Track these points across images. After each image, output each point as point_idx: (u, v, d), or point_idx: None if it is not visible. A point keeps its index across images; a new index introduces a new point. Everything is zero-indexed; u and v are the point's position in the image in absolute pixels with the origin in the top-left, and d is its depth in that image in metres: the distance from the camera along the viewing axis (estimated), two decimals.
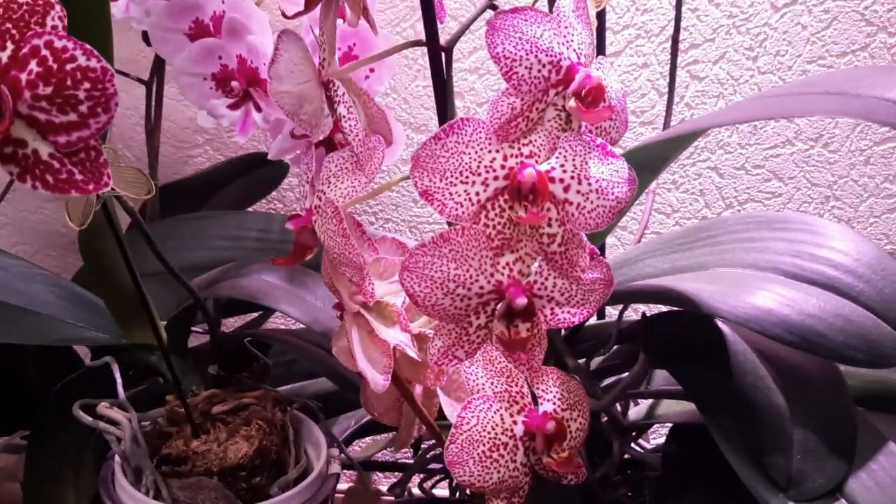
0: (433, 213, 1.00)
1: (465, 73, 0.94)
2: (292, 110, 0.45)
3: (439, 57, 0.49)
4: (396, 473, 0.91)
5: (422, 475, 0.81)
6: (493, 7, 0.50)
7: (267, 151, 0.94)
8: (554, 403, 0.51)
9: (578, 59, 0.45)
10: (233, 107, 0.70)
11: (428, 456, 0.78)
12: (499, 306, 0.45)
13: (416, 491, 0.82)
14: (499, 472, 0.49)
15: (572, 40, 0.46)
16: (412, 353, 0.53)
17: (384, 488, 0.81)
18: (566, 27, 0.45)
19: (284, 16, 0.49)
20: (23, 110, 0.36)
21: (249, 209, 0.90)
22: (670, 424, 0.72)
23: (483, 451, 0.49)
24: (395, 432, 0.90)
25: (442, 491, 0.83)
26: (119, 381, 0.62)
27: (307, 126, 0.47)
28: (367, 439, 0.87)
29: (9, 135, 0.35)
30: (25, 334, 0.64)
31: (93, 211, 0.48)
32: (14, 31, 0.36)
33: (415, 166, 0.44)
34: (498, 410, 0.50)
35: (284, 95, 0.45)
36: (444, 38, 0.49)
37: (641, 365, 0.61)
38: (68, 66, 0.36)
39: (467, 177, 0.44)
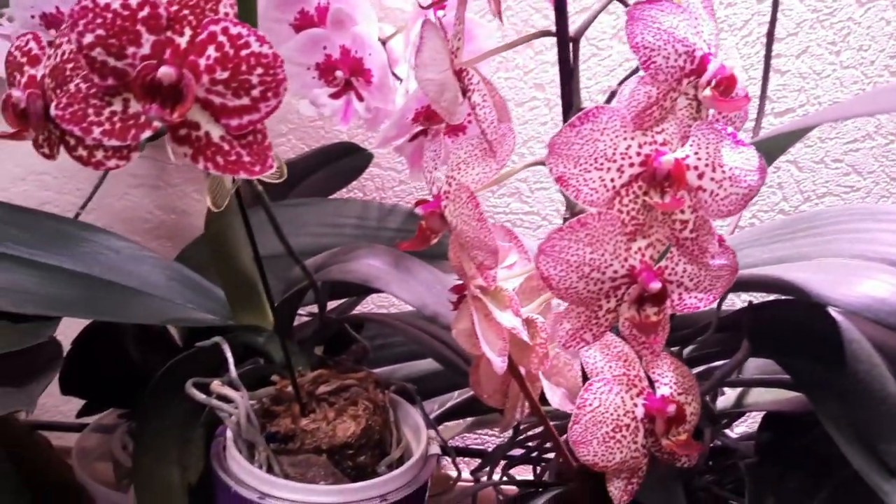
0: (509, 204, 1.01)
1: (546, 64, 0.95)
2: (434, 97, 0.47)
3: (567, 47, 0.50)
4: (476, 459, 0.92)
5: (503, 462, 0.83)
6: None
7: (350, 141, 0.97)
8: (671, 387, 0.53)
9: (709, 49, 0.46)
10: (335, 96, 0.71)
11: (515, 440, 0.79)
12: (631, 290, 0.46)
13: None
14: (621, 452, 0.51)
15: (702, 31, 0.47)
16: (525, 336, 0.55)
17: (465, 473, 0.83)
18: (697, 18, 0.47)
19: (420, 6, 0.50)
20: (199, 94, 0.37)
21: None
22: (755, 412, 0.74)
23: (606, 432, 0.50)
24: (471, 418, 0.92)
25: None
26: (231, 360, 0.64)
27: (445, 113, 0.48)
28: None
29: (185, 117, 0.37)
30: (138, 314, 0.66)
31: (230, 193, 0.50)
32: (191, 18, 0.37)
33: (550, 153, 0.46)
34: (618, 393, 0.51)
35: (429, 83, 0.46)
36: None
37: (744, 353, 0.62)
38: (243, 52, 0.37)
39: (602, 163, 0.45)
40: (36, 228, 0.68)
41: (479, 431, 1.07)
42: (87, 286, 0.66)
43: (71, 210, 1.03)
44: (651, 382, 0.53)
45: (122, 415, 0.84)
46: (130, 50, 0.37)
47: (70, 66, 0.39)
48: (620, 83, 0.65)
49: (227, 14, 0.38)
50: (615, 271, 0.46)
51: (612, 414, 0.50)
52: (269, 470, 0.62)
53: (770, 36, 0.74)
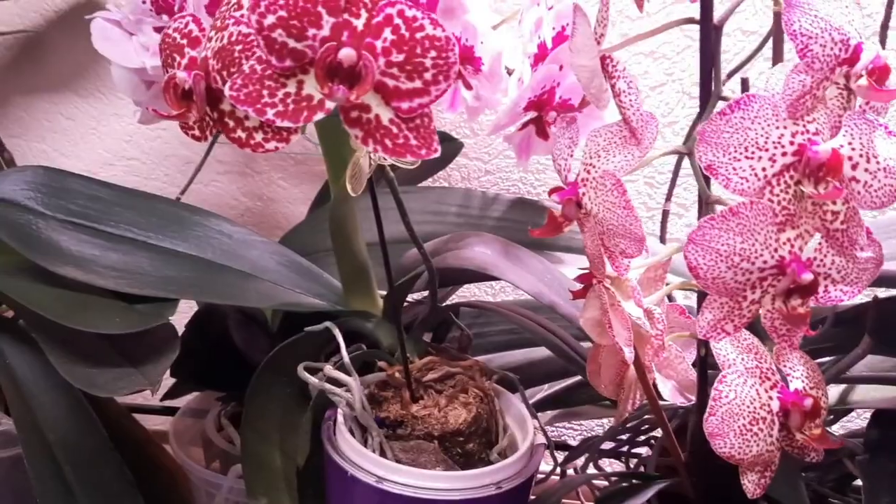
0: None
1: (640, 55, 0.94)
2: (586, 84, 0.47)
3: (710, 34, 0.49)
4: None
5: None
6: None
7: (441, 130, 0.97)
8: (803, 381, 0.52)
9: (860, 38, 0.46)
10: None
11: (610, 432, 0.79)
12: (781, 282, 0.46)
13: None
14: (757, 445, 0.50)
15: (853, 20, 0.46)
16: (647, 327, 0.55)
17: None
18: (848, 7, 0.46)
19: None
20: (375, 76, 0.38)
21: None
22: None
23: (743, 425, 0.50)
24: (553, 411, 0.92)
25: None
26: (343, 345, 0.64)
27: (594, 99, 0.48)
28: None
29: (358, 99, 0.37)
30: (251, 298, 0.66)
31: (366, 178, 0.50)
32: (367, 0, 0.37)
33: (700, 141, 0.45)
34: (753, 385, 0.51)
35: (582, 69, 0.46)
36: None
37: (864, 348, 0.61)
38: (418, 35, 0.37)
39: (753, 152, 0.45)
40: (151, 212, 0.69)
41: (557, 424, 1.07)
42: (201, 269, 0.67)
43: (157, 194, 1.05)
44: (782, 376, 0.52)
45: (219, 398, 0.85)
46: (311, 31, 0.37)
47: (239, 47, 0.40)
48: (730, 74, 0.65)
49: None
50: (765, 262, 0.46)
51: (748, 406, 0.50)
52: (382, 455, 0.63)
53: (884, 28, 0.73)
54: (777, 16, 0.62)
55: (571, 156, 0.52)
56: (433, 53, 0.37)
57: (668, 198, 0.79)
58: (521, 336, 0.82)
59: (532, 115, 0.70)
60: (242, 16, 0.42)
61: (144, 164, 1.04)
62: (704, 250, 0.45)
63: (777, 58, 0.63)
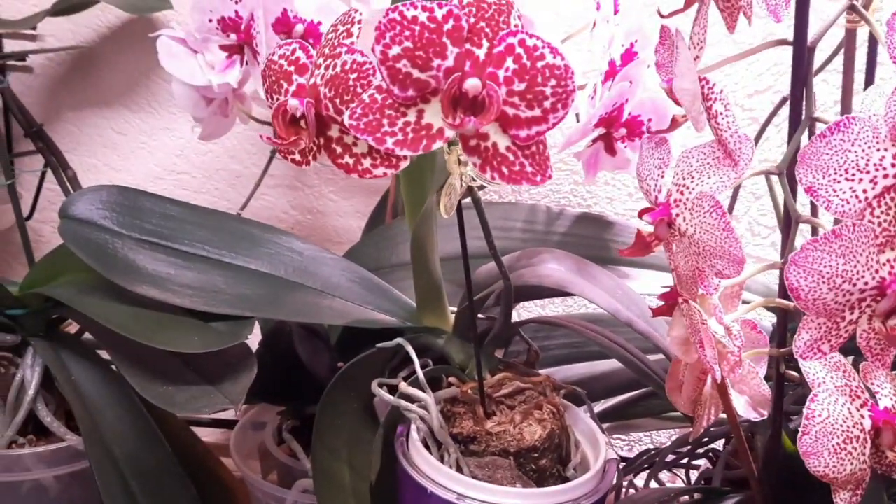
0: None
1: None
2: (688, 106, 0.47)
3: (804, 56, 0.50)
4: None
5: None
6: (852, 6, 0.50)
7: None
8: (892, 399, 0.52)
9: None
10: None
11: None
12: (881, 302, 0.46)
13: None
14: (851, 464, 0.50)
15: None
16: (729, 345, 0.55)
17: None
18: None
19: (660, 14, 0.50)
20: (499, 106, 0.38)
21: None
22: None
23: (837, 444, 0.50)
24: (609, 423, 0.92)
25: None
26: (417, 362, 0.65)
27: (694, 121, 0.48)
28: None
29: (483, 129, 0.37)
30: (325, 315, 0.67)
31: (458, 198, 0.50)
32: (488, 30, 0.38)
33: (800, 163, 0.46)
34: (844, 404, 0.51)
35: (685, 93, 0.46)
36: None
37: None
38: (539, 64, 0.38)
39: (853, 174, 0.45)
40: (223, 229, 0.69)
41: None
42: (275, 286, 0.67)
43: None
44: (871, 394, 0.53)
45: (280, 412, 0.86)
46: (435, 62, 0.37)
47: (354, 76, 0.40)
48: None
49: (517, 26, 0.38)
50: (865, 283, 0.46)
51: (841, 425, 0.50)
52: (458, 471, 0.63)
53: None
54: (850, 32, 0.63)
55: (662, 176, 0.52)
56: (553, 82, 0.38)
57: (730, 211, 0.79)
58: (581, 350, 0.82)
59: (601, 131, 0.71)
60: (353, 43, 0.42)
61: (195, 178, 1.05)
62: (807, 272, 0.45)
63: (848, 73, 0.63)
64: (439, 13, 0.37)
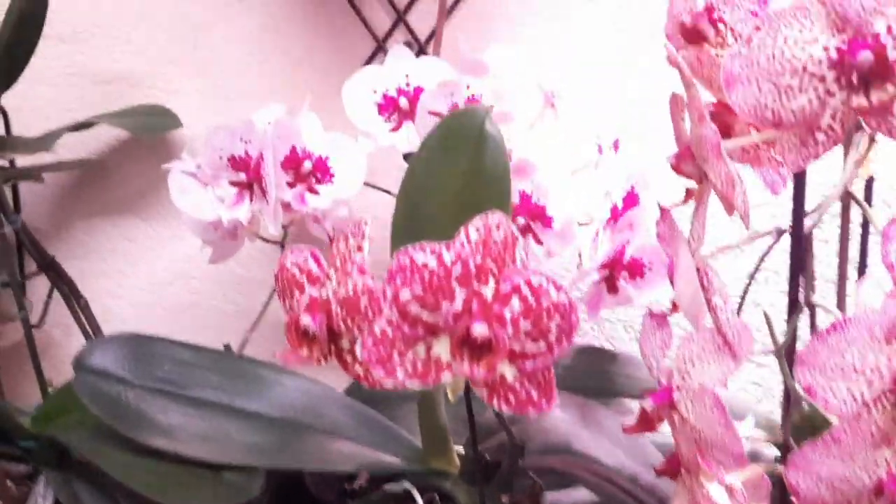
0: None
1: None
2: (686, 306, 0.48)
3: (801, 242, 0.51)
4: None
5: None
6: (849, 193, 0.52)
7: None
8: None
9: None
10: None
11: None
12: (878, 500, 0.47)
13: None
14: None
15: None
16: None
17: None
18: None
19: (660, 207, 0.51)
20: (506, 348, 0.39)
21: None
22: None
23: None
24: None
25: None
26: None
27: (692, 318, 0.49)
28: None
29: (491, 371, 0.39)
30: (336, 460, 0.68)
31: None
32: (494, 267, 0.39)
33: (799, 363, 0.47)
34: None
35: (683, 295, 0.48)
36: None
37: None
38: (544, 302, 0.39)
39: (850, 375, 0.46)
40: (234, 373, 0.70)
41: None
42: (284, 431, 0.68)
43: (215, 315, 1.07)
44: None
45: None
46: (445, 305, 0.39)
47: (365, 298, 0.42)
48: None
49: (522, 260, 0.40)
50: (863, 483, 0.47)
51: None
52: None
53: None
54: (845, 209, 0.64)
55: (664, 356, 0.53)
56: (557, 318, 0.39)
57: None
58: None
59: (603, 273, 0.72)
60: (363, 260, 0.44)
61: (203, 284, 1.06)
62: (806, 474, 0.46)
63: (843, 251, 0.65)
64: (448, 258, 0.39)
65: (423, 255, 0.39)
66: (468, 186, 0.49)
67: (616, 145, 0.75)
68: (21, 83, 0.91)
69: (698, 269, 0.51)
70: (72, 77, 1.00)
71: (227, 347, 0.86)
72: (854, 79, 0.40)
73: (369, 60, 0.94)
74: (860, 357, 0.46)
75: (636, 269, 0.72)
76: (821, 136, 0.42)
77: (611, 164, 0.73)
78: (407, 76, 0.78)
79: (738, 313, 0.51)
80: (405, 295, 0.39)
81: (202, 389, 0.69)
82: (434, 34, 0.92)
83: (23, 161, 0.97)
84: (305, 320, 0.43)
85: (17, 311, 0.81)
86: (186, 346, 0.72)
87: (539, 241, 0.73)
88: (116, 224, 1.05)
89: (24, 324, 0.84)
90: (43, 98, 1.01)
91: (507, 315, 0.39)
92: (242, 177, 0.77)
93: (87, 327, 0.84)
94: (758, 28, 0.42)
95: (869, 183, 0.58)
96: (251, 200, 0.77)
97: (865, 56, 0.39)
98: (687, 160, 0.49)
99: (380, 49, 0.93)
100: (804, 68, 0.41)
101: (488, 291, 0.39)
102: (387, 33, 0.93)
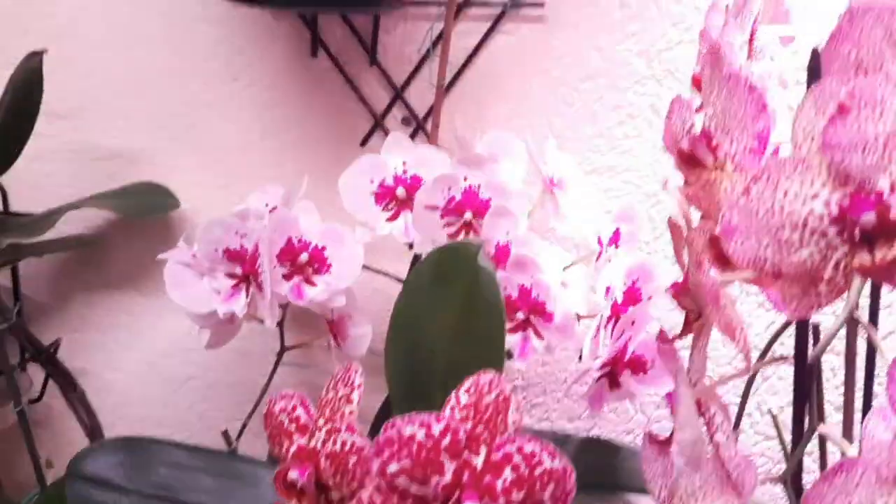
0: None
1: None
2: (687, 452, 0.47)
3: (804, 372, 0.50)
4: None
5: None
6: (854, 320, 0.50)
7: None
8: None
9: None
10: (512, 331, 0.72)
11: None
12: None
13: None
14: None
15: None
16: None
17: None
18: None
19: (659, 339, 0.50)
20: None
21: None
22: None
23: None
24: None
25: None
26: None
27: (692, 462, 0.48)
28: None
29: None
30: None
31: None
32: (486, 435, 0.38)
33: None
34: None
35: (684, 443, 0.46)
36: None
37: None
38: (537, 471, 0.38)
39: None
40: (228, 475, 0.69)
41: None
42: None
43: (216, 385, 1.06)
44: None
45: None
46: (434, 479, 0.38)
47: (353, 458, 0.40)
48: None
49: (514, 422, 0.38)
50: None
51: None
52: None
53: None
54: (851, 338, 0.62)
55: (666, 486, 0.52)
56: (552, 487, 0.38)
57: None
58: None
59: (605, 370, 0.71)
60: (353, 413, 0.43)
61: (202, 356, 1.05)
62: None
63: (850, 376, 0.63)
64: (436, 429, 0.38)
65: (412, 427, 0.38)
66: (464, 320, 0.48)
67: (616, 236, 0.74)
68: (17, 159, 0.91)
69: (700, 404, 0.49)
70: (68, 154, 0.99)
71: (226, 434, 0.85)
72: (857, 236, 0.39)
73: (367, 137, 0.93)
74: (867, 500, 0.45)
75: (639, 366, 0.70)
76: (823, 288, 0.41)
77: (610, 257, 0.71)
78: (404, 163, 0.77)
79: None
80: (393, 468, 0.38)
81: (196, 494, 0.68)
82: (432, 110, 0.91)
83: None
84: (292, 475, 0.42)
85: (12, 403, 0.80)
86: (180, 447, 0.71)
87: (539, 336, 0.72)
88: (115, 298, 1.04)
89: (20, 416, 0.82)
90: (40, 174, 1.00)
91: (499, 485, 0.38)
92: (238, 270, 0.76)
93: (85, 417, 0.83)
94: (756, 178, 0.40)
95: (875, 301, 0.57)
96: (247, 293, 0.76)
97: (868, 217, 0.38)
98: (686, 294, 0.48)
99: (378, 126, 0.92)
100: (805, 223, 0.40)
101: (479, 461, 0.38)
102: (385, 110, 0.92)
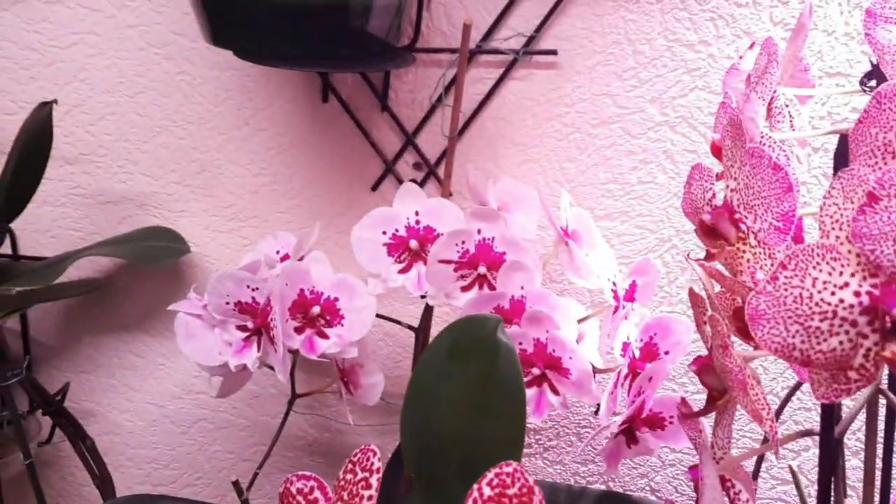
0: None
1: None
2: None
3: (830, 446, 0.49)
4: None
5: None
6: (881, 392, 0.50)
7: None
8: None
9: None
10: (527, 385, 0.71)
11: None
12: None
13: None
14: None
15: None
16: None
17: None
18: None
19: (684, 411, 0.49)
20: None
21: None
22: None
23: None
24: None
25: None
26: None
27: None
28: None
29: None
30: None
31: None
32: None
33: None
34: None
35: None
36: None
37: None
38: None
39: None
40: None
41: None
42: None
43: (226, 427, 1.05)
44: None
45: None
46: None
47: None
48: None
49: None
50: None
51: None
52: None
53: None
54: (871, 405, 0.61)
55: None
56: None
57: None
58: None
59: (623, 427, 0.70)
60: (371, 497, 0.42)
61: (212, 399, 1.04)
62: None
63: (870, 447, 0.62)
64: None
65: None
66: (482, 398, 0.47)
67: (632, 289, 0.73)
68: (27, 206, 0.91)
69: (723, 480, 0.49)
70: (77, 198, 0.99)
71: (237, 484, 0.84)
72: (888, 324, 0.38)
73: (378, 182, 0.93)
74: None
75: (657, 423, 0.70)
76: (853, 375, 0.40)
77: (627, 313, 0.71)
78: (416, 213, 0.76)
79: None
80: None
81: None
82: (443, 155, 0.91)
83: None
84: None
85: (21, 453, 0.79)
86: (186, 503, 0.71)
87: (555, 392, 0.71)
88: (125, 340, 1.04)
89: (29, 468, 0.82)
90: (48, 218, 1.00)
91: None
92: (250, 323, 0.75)
93: (95, 468, 0.82)
94: (784, 266, 0.40)
95: None
96: (258, 346, 0.76)
97: None
98: (710, 372, 0.47)
99: (389, 171, 0.92)
100: (834, 313, 0.39)
101: None
102: (396, 155, 0.91)
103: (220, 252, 0.98)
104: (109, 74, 0.94)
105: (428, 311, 0.85)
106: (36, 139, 0.84)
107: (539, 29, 0.85)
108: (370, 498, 0.42)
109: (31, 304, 0.93)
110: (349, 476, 0.44)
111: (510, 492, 0.38)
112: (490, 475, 0.39)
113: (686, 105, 0.86)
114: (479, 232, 0.73)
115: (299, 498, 0.45)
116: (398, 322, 0.85)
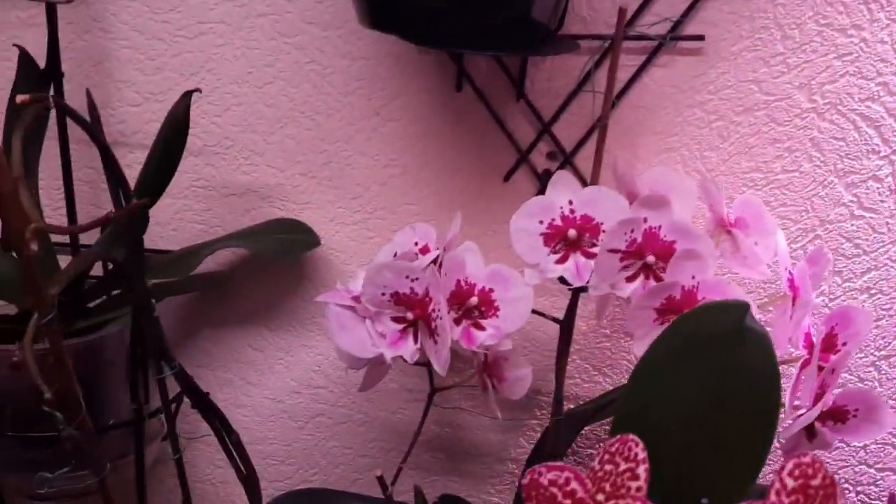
0: None
1: None
2: None
3: None
4: None
5: None
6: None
7: None
8: None
9: None
10: None
11: None
12: None
13: None
14: None
15: None
16: None
17: None
18: None
19: None
20: None
21: None
22: None
23: None
24: None
25: None
26: None
27: None
28: None
29: None
30: None
31: None
32: None
33: None
34: None
35: None
36: None
37: None
38: None
39: None
40: None
41: None
42: None
43: (344, 422, 1.04)
44: None
45: None
46: None
47: None
48: None
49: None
50: None
51: None
52: None
53: None
54: None
55: None
56: None
57: None
58: None
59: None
60: (640, 489, 0.40)
61: (332, 393, 1.03)
62: None
63: None
64: None
65: None
66: (722, 388, 0.45)
67: (811, 276, 0.71)
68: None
69: None
70: (201, 190, 0.98)
71: (381, 479, 0.83)
72: None
73: (511, 172, 0.91)
74: None
75: (840, 416, 0.68)
76: None
77: (806, 303, 0.69)
78: (570, 202, 0.75)
79: None
80: None
81: None
82: (579, 145, 0.89)
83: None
84: None
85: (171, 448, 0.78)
86: (357, 499, 0.69)
87: None
88: (243, 334, 1.03)
89: (177, 463, 0.81)
90: (170, 210, 0.99)
91: None
92: (409, 314, 0.74)
93: (240, 464, 0.81)
94: None
95: None
96: (415, 339, 0.74)
97: None
98: None
99: (522, 160, 0.90)
100: None
101: None
102: (531, 144, 0.90)
103: (344, 245, 0.97)
104: (238, 64, 0.93)
105: (573, 303, 0.83)
106: (175, 128, 0.83)
107: (686, 13, 0.83)
108: (639, 489, 0.40)
109: (163, 297, 0.92)
110: (608, 467, 0.43)
111: (814, 483, 0.36)
112: (789, 466, 0.37)
113: (835, 91, 0.84)
114: (644, 220, 0.71)
115: (553, 489, 0.43)
116: (542, 314, 0.83)
